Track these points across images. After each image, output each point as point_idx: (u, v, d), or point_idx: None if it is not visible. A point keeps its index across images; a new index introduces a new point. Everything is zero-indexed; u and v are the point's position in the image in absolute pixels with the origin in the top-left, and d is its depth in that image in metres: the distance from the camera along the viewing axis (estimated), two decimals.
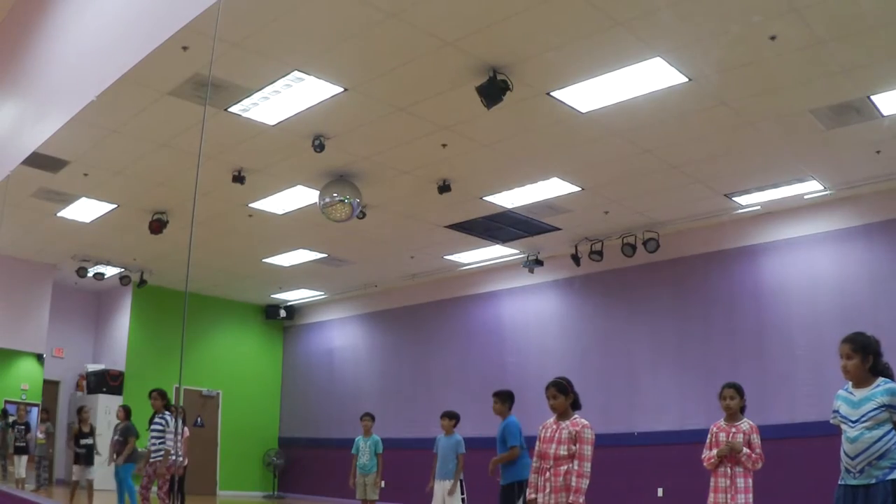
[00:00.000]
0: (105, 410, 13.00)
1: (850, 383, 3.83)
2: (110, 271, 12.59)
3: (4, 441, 11.49)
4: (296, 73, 6.54)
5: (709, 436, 5.38)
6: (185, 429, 10.22)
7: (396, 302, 13.91)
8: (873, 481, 3.56)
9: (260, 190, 9.26)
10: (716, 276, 9.96)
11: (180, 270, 11.59)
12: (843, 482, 3.71)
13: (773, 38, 5.72)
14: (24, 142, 7.68)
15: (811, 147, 7.73)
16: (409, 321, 13.74)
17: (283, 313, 15.45)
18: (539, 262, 11.45)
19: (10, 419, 11.73)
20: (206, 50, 5.85)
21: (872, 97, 6.60)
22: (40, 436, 11.54)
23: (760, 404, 8.16)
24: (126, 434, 9.17)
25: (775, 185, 8.70)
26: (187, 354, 12.44)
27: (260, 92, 6.87)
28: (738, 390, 5.38)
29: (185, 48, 5.99)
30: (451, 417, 7.84)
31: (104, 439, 10.17)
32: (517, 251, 11.54)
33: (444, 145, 7.89)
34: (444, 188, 8.81)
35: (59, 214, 10.29)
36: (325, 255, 12.06)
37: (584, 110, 7.01)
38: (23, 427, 11.52)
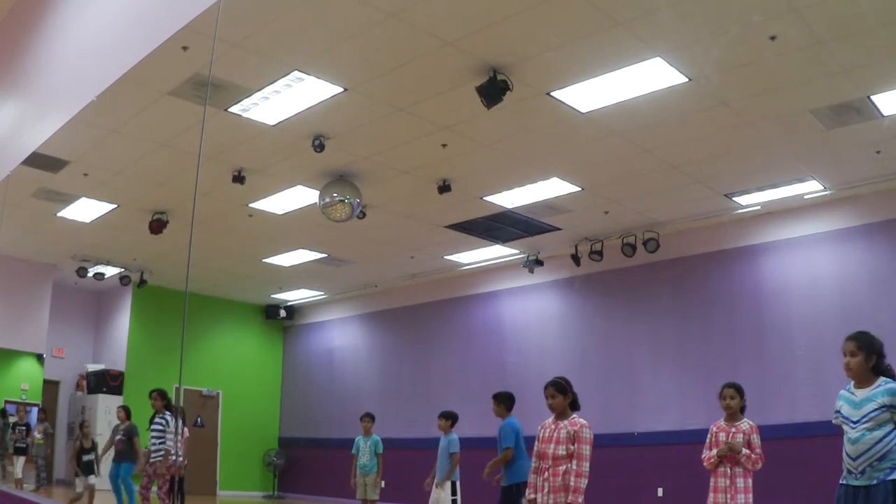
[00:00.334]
0: (105, 410, 13.01)
1: (852, 383, 3.82)
2: (110, 271, 12.58)
3: (4, 441, 11.49)
4: (296, 73, 6.54)
5: (709, 436, 5.38)
6: (185, 429, 10.21)
7: (396, 302, 13.91)
8: (874, 482, 3.56)
9: (260, 190, 9.26)
10: (716, 276, 9.96)
11: (180, 270, 11.59)
12: (844, 482, 3.71)
13: (773, 38, 5.72)
14: (24, 142, 7.68)
15: (811, 147, 7.73)
16: (409, 321, 13.74)
17: (283, 313, 15.45)
18: (539, 262, 11.45)
19: (11, 420, 11.73)
20: (206, 50, 5.85)
21: (872, 97, 6.60)
22: (38, 436, 11.52)
23: (760, 404, 8.16)
24: (130, 434, 9.19)
25: (775, 185, 8.70)
26: (187, 354, 12.45)
27: (260, 92, 6.87)
28: (738, 390, 5.38)
29: (185, 48, 5.99)
30: (447, 418, 7.83)
31: (104, 439, 10.16)
32: (517, 251, 11.54)
33: (444, 145, 7.89)
34: (445, 188, 8.81)
35: (59, 214, 10.29)
36: (325, 255, 12.06)
37: (584, 110, 7.01)
38: (23, 427, 11.52)
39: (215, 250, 11.57)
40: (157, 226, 9.94)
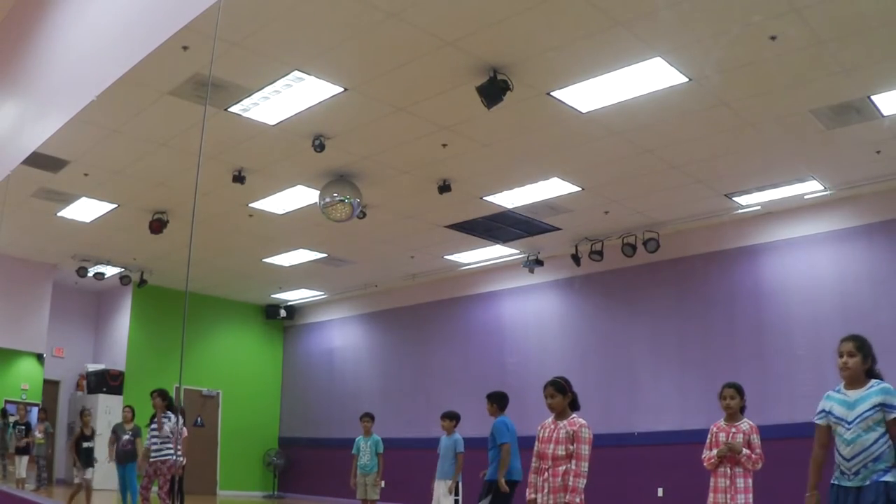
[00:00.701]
0: (105, 410, 13.00)
1: (842, 385, 3.86)
2: (110, 271, 12.59)
3: (4, 441, 11.49)
4: (296, 73, 6.54)
5: (709, 436, 5.38)
6: (184, 428, 10.21)
7: (397, 302, 13.91)
8: (867, 483, 3.58)
9: (260, 190, 9.26)
10: (716, 276, 9.96)
11: (180, 270, 11.60)
12: (836, 482, 3.73)
13: (773, 38, 5.72)
14: (24, 142, 7.67)
15: (811, 147, 7.73)
16: (409, 321, 13.74)
17: (283, 313, 15.45)
18: (539, 262, 11.45)
19: (12, 419, 11.73)
20: (206, 50, 5.85)
21: (872, 97, 6.60)
22: (39, 436, 11.53)
23: (760, 404, 8.16)
24: (137, 435, 9.22)
25: (775, 185, 8.70)
26: (187, 354, 12.46)
27: (260, 92, 6.87)
28: (739, 390, 5.38)
29: (185, 48, 5.99)
30: (451, 418, 7.88)
31: (103, 439, 10.17)
32: (517, 251, 11.54)
33: (444, 145, 7.89)
34: (445, 188, 8.81)
35: (59, 214, 10.29)
36: (325, 255, 12.06)
37: (584, 110, 7.01)
38: (23, 427, 11.52)
39: (215, 250, 11.57)
40: (158, 225, 9.94)
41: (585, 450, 4.52)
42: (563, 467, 4.52)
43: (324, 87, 6.75)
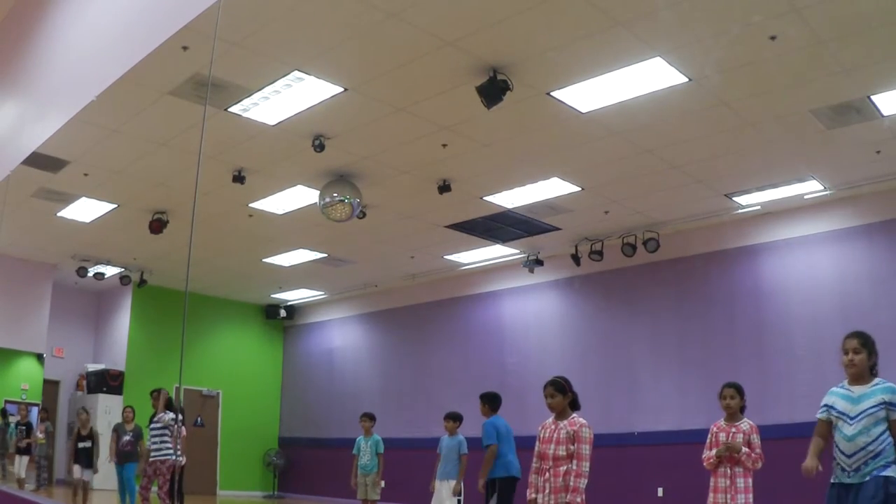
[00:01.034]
0: (105, 410, 13.00)
1: (846, 381, 3.86)
2: (110, 271, 12.59)
3: (5, 441, 11.49)
4: (296, 73, 6.54)
5: (709, 436, 5.38)
6: (183, 428, 10.22)
7: (396, 302, 13.91)
8: (867, 479, 3.58)
9: (260, 190, 9.27)
10: (716, 276, 9.95)
11: (180, 270, 11.59)
12: (835, 481, 3.73)
13: (773, 38, 5.72)
14: (24, 142, 7.67)
15: (811, 147, 7.73)
16: (409, 321, 13.74)
17: (283, 313, 15.45)
18: (539, 262, 11.45)
19: (13, 419, 11.72)
20: (206, 50, 5.85)
21: (872, 97, 6.60)
22: (40, 435, 11.53)
23: (760, 404, 8.16)
24: (139, 436, 9.22)
25: (775, 185, 8.70)
26: (187, 354, 12.45)
27: (260, 92, 6.87)
28: (738, 390, 5.37)
29: (185, 48, 5.99)
30: (455, 419, 7.89)
31: (104, 438, 10.16)
32: (517, 251, 11.54)
33: (444, 145, 7.89)
34: (445, 188, 8.81)
35: (59, 214, 10.29)
36: (325, 255, 12.06)
37: (584, 110, 7.01)
38: (24, 427, 11.52)
39: (215, 250, 11.57)
40: (158, 225, 9.94)
41: (586, 449, 4.51)
42: (564, 467, 4.51)
43: (324, 87, 6.75)
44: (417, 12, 5.60)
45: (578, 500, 4.45)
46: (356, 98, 6.92)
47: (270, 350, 16.02)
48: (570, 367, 10.07)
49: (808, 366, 8.75)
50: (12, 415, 11.93)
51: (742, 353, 9.37)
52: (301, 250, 11.84)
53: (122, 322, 14.11)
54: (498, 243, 11.20)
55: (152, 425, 8.45)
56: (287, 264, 12.51)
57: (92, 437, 9.84)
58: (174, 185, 9.05)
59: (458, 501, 7.61)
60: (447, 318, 13.10)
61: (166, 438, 8.31)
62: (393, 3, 5.50)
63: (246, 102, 7.07)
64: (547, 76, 6.50)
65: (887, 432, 3.63)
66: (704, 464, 5.33)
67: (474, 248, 11.53)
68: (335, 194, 8.62)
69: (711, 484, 5.28)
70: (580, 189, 8.97)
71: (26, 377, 12.71)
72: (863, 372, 3.80)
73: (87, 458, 9.66)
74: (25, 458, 11.26)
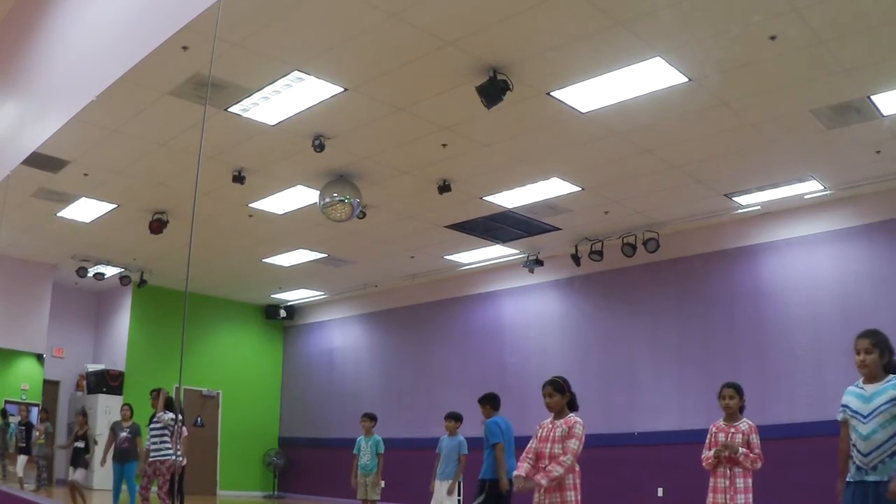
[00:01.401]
0: (105, 410, 13.00)
1: (861, 380, 3.83)
2: (110, 271, 12.59)
3: (5, 441, 11.49)
4: (296, 73, 6.54)
5: (708, 435, 5.38)
6: (185, 428, 10.21)
7: (397, 302, 13.91)
8: (886, 478, 3.57)
9: (260, 190, 9.26)
10: (716, 276, 9.95)
11: (180, 270, 11.60)
12: (853, 479, 3.70)
13: (773, 37, 5.72)
14: (24, 142, 7.67)
15: (811, 147, 7.73)
16: (409, 321, 13.74)
17: (283, 313, 15.45)
18: (539, 262, 11.45)
19: (13, 420, 11.72)
20: (206, 50, 5.85)
21: (872, 97, 6.60)
22: (38, 435, 11.52)
23: (760, 404, 8.16)
24: (135, 433, 9.22)
25: (775, 185, 8.70)
26: (187, 354, 12.45)
27: (260, 92, 6.87)
28: (738, 390, 5.37)
29: (185, 48, 5.99)
30: (456, 419, 7.91)
31: (103, 439, 10.15)
32: (517, 251, 11.54)
33: (444, 145, 7.89)
34: (445, 188, 8.81)
35: (59, 214, 10.29)
36: (325, 255, 12.06)
37: (584, 110, 7.01)
38: (24, 427, 11.52)
39: (215, 250, 11.57)
40: (158, 226, 9.94)
41: (575, 444, 4.46)
42: None
43: (324, 87, 6.75)
44: (417, 12, 5.60)
45: (543, 482, 4.40)
46: (356, 98, 6.92)
47: (270, 350, 16.02)
48: (571, 367, 10.08)
49: (808, 366, 8.76)
50: (12, 415, 11.92)
51: (742, 354, 9.37)
52: (301, 250, 11.84)
53: (122, 322, 14.11)
54: (498, 243, 11.20)
55: (152, 425, 8.44)
56: (287, 264, 12.51)
57: (85, 437, 9.83)
58: (174, 185, 9.05)
59: (458, 501, 7.62)
60: (447, 319, 13.10)
61: (166, 438, 8.31)
62: (393, 3, 5.50)
63: (246, 102, 7.07)
64: (547, 76, 6.50)
65: None
66: (703, 464, 5.33)
67: (474, 248, 11.53)
68: (335, 194, 8.62)
69: (711, 484, 5.28)
70: (580, 189, 8.97)
71: (26, 377, 12.71)
72: (875, 372, 3.78)
73: (80, 458, 9.67)
74: (24, 458, 11.26)
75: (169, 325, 12.62)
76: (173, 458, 8.25)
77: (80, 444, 9.72)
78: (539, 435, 4.66)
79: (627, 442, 10.19)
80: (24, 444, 11.34)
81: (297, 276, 13.29)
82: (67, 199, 9.80)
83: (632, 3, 5.45)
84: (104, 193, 9.63)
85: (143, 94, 6.92)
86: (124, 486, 9.35)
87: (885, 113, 6.84)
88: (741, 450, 5.14)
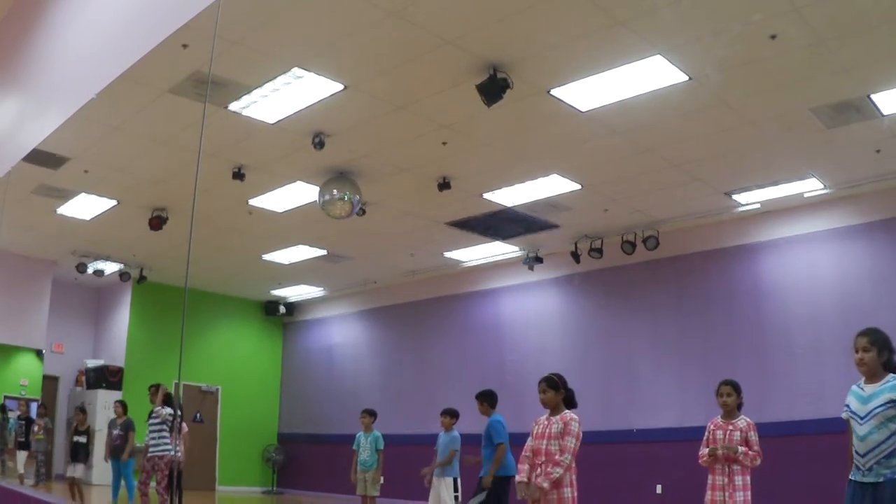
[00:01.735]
0: (104, 406, 13.01)
1: (863, 379, 3.83)
2: (110, 267, 12.60)
3: (4, 436, 11.50)
4: (296, 71, 6.54)
5: (706, 433, 5.39)
6: (184, 424, 10.22)
7: (396, 299, 13.92)
8: (881, 480, 3.56)
9: (260, 187, 9.27)
10: (715, 274, 9.96)
11: (180, 267, 11.60)
12: (853, 478, 3.71)
13: (773, 36, 5.72)
14: (24, 138, 7.68)
15: (811, 146, 7.73)
16: (408, 318, 13.75)
17: (282, 309, 15.46)
18: (539, 260, 11.45)
19: (14, 414, 11.73)
20: (206, 47, 5.84)
21: (872, 96, 6.60)
22: (37, 430, 11.54)
23: (759, 402, 8.19)
24: (127, 429, 9.20)
25: (775, 184, 8.71)
26: (187, 350, 12.46)
27: (260, 89, 6.87)
28: (735, 387, 5.38)
29: (185, 46, 5.99)
30: (452, 415, 7.92)
31: (102, 434, 10.17)
32: (517, 248, 11.54)
33: (444, 143, 7.89)
34: (444, 185, 8.81)
35: (59, 211, 10.30)
36: (324, 252, 12.06)
37: (584, 109, 7.01)
38: (23, 422, 11.53)
39: (215, 247, 11.58)
40: (157, 222, 9.96)
41: (571, 442, 4.47)
42: None
43: (324, 84, 6.74)
44: (417, 10, 5.60)
45: (545, 485, 4.41)
46: (356, 95, 6.92)
47: (270, 346, 16.03)
48: (570, 364, 10.10)
49: (808, 364, 8.77)
50: (12, 410, 11.94)
51: (741, 351, 9.39)
52: (301, 247, 11.85)
53: (122, 318, 14.13)
54: (498, 240, 11.21)
55: (150, 420, 8.45)
56: (287, 261, 12.51)
57: (88, 433, 9.85)
58: (174, 182, 9.05)
59: (456, 498, 7.63)
60: (447, 315, 13.11)
61: (164, 434, 8.31)
62: (393, 1, 5.50)
63: (246, 100, 7.07)
64: (547, 74, 6.50)
65: None
66: (700, 461, 5.34)
67: (474, 246, 11.53)
68: (335, 191, 8.62)
69: (709, 481, 5.29)
70: (580, 187, 8.97)
71: (26, 373, 12.73)
72: (874, 370, 3.76)
73: (81, 453, 9.68)
74: (24, 454, 11.28)
75: (168, 321, 12.63)
76: (171, 453, 8.25)
77: (80, 440, 9.73)
78: (535, 431, 4.67)
79: (626, 439, 10.20)
80: (23, 440, 11.36)
81: (296, 272, 13.30)
82: (67, 196, 9.81)
83: (632, 1, 5.45)
84: (104, 190, 9.63)
85: (143, 92, 6.92)
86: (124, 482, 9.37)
87: (884, 112, 6.84)
88: (740, 449, 5.14)
